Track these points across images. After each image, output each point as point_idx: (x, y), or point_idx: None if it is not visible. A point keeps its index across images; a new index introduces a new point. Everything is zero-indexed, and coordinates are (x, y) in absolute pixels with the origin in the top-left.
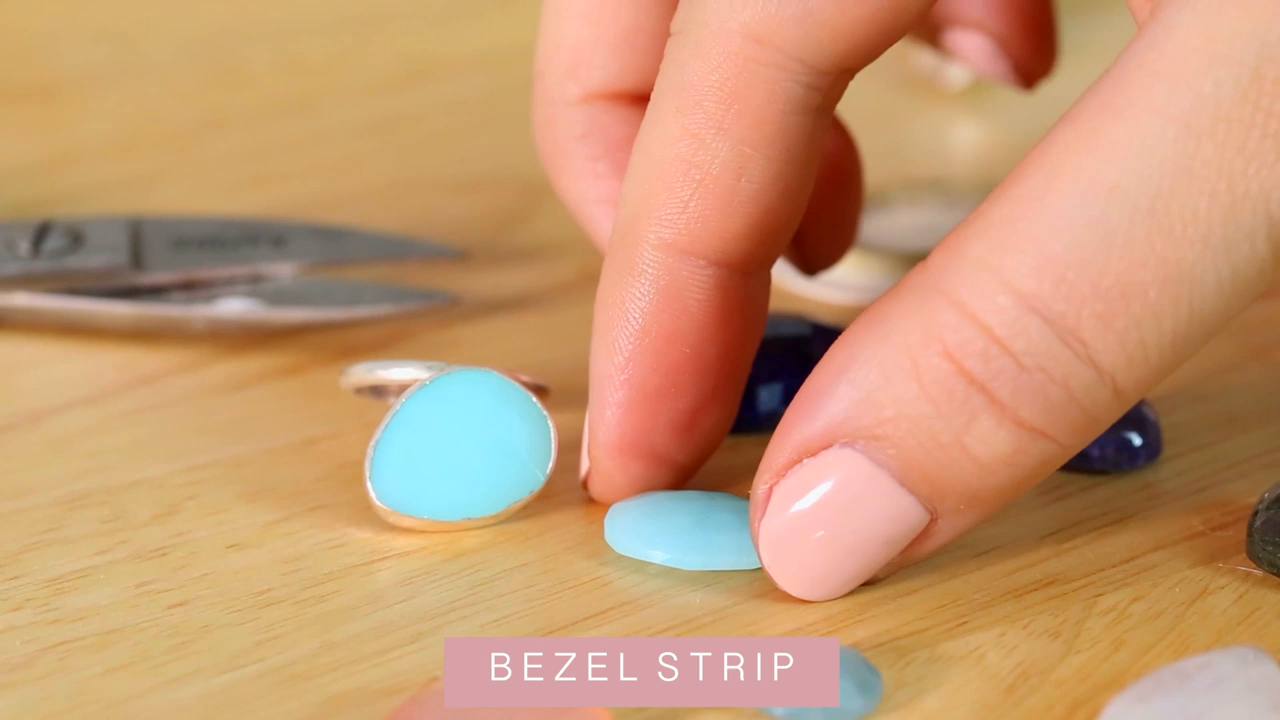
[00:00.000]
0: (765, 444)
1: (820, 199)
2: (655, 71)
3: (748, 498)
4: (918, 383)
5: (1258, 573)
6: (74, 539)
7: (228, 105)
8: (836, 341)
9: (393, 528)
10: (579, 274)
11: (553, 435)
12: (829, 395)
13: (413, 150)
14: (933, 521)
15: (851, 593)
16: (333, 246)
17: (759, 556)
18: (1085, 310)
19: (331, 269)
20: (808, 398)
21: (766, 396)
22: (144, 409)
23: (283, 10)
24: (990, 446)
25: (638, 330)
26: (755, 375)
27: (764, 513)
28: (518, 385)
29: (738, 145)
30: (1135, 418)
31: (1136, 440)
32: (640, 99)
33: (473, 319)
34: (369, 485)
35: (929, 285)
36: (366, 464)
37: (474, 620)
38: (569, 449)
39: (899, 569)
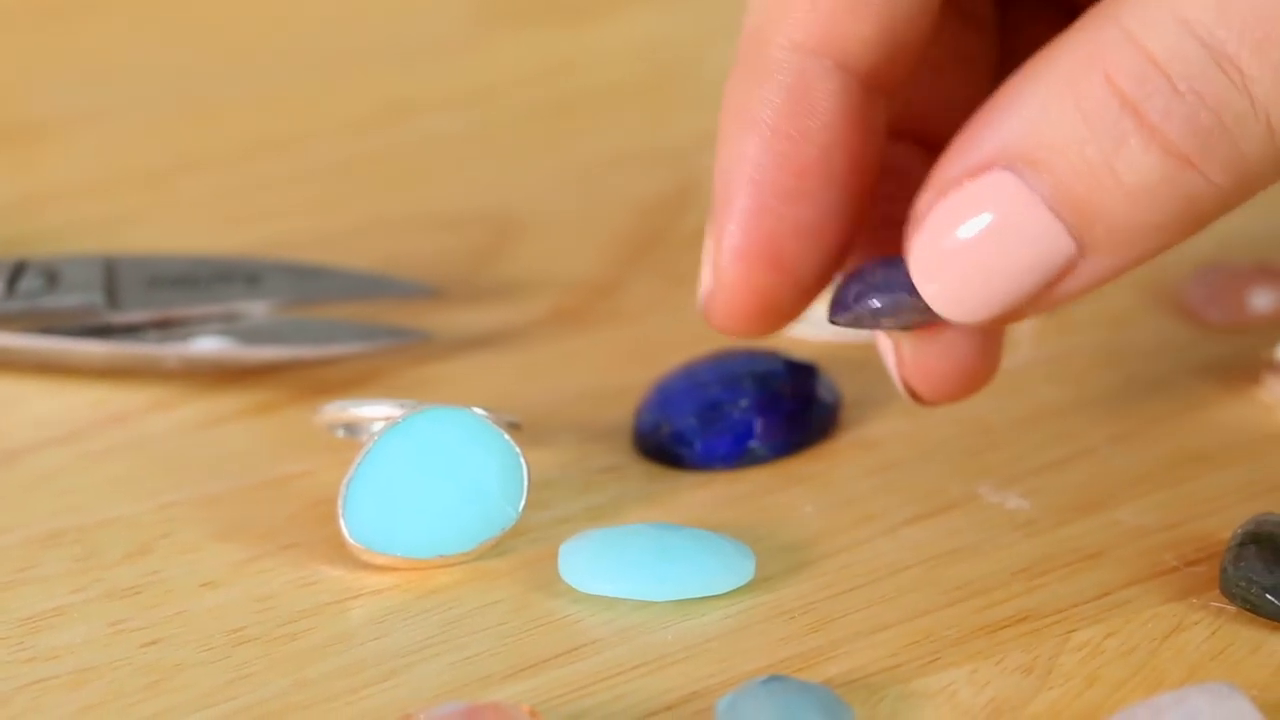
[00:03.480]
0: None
1: None
2: None
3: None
4: (1075, 106)
5: (1231, 608)
6: (48, 578)
7: (202, 145)
8: (1015, 72)
9: (365, 565)
10: (552, 311)
11: (525, 472)
12: (995, 120)
13: (386, 188)
14: (1079, 257)
15: (822, 629)
16: (306, 285)
17: (911, 273)
18: (1245, 37)
19: (305, 307)
20: (977, 121)
21: (740, 432)
22: (118, 447)
23: (257, 50)
24: (1138, 172)
25: (767, 129)
26: (726, 410)
27: (919, 230)
28: (490, 423)
29: None
30: None
31: None
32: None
33: (446, 356)
34: (342, 523)
35: (1099, 14)
36: (339, 502)
37: (445, 658)
38: (540, 486)
39: (1044, 308)
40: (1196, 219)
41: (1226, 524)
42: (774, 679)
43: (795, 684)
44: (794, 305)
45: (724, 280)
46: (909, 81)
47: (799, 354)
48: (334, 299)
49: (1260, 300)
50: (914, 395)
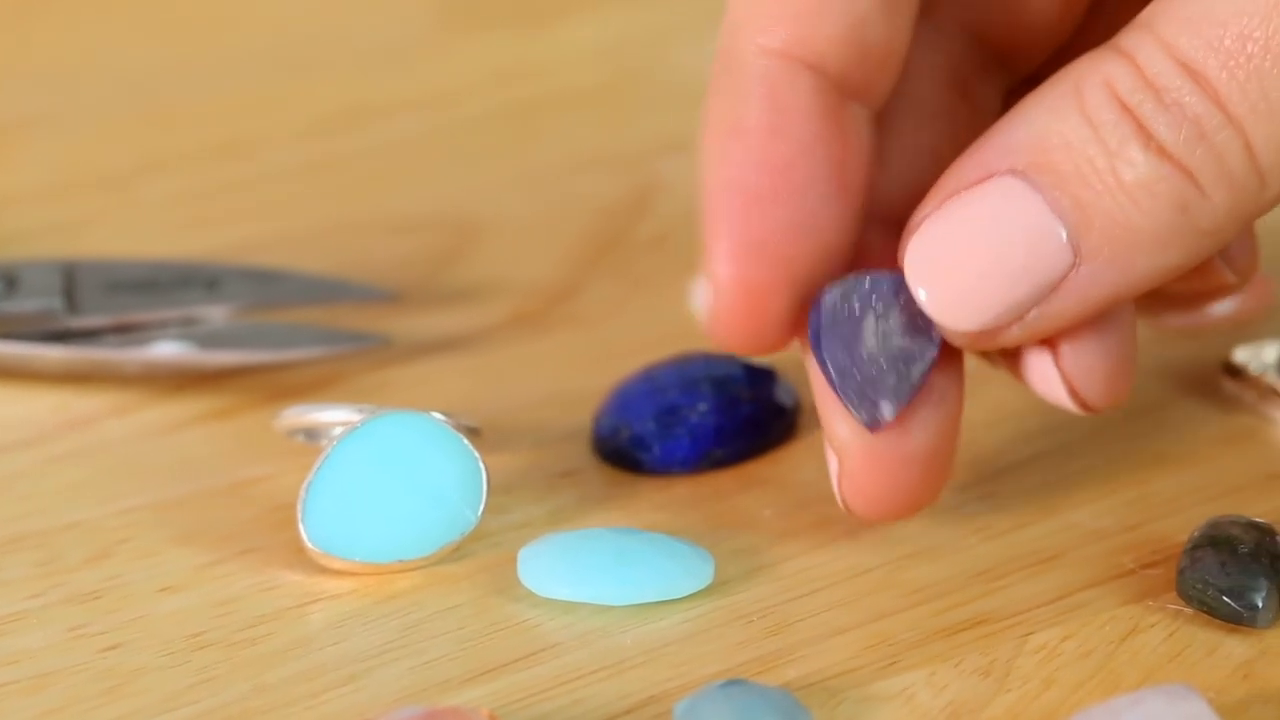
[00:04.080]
0: (697, 482)
1: None
2: None
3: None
4: (1080, 110)
5: (1188, 610)
6: (7, 582)
7: (161, 148)
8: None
9: (325, 570)
10: (511, 315)
11: (484, 477)
12: (1001, 134)
13: (345, 193)
14: (1073, 267)
15: (781, 632)
16: (265, 289)
17: (907, 278)
18: (1212, 59)
19: (264, 311)
20: (982, 140)
21: (698, 436)
22: (77, 452)
23: (216, 53)
24: (1135, 169)
25: (745, 132)
26: (685, 413)
27: (917, 233)
28: (449, 427)
29: None
30: None
31: None
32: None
33: (405, 361)
34: (301, 527)
35: (1104, 46)
36: (299, 506)
37: (404, 663)
38: (499, 490)
39: (1033, 332)
40: (1191, 234)
41: (1183, 526)
42: (733, 683)
43: (754, 687)
44: (793, 308)
45: (719, 284)
46: (888, 91)
47: (757, 358)
48: (293, 303)
49: (1219, 305)
50: (849, 510)
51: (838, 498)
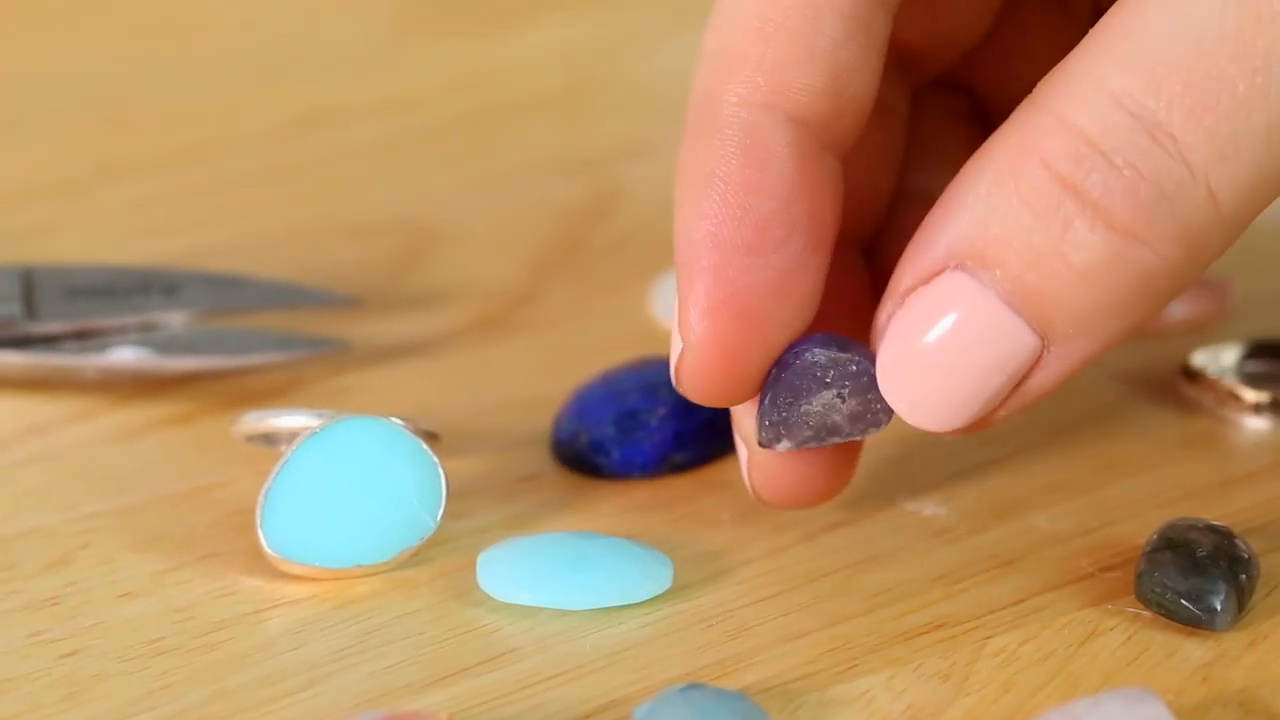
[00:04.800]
0: (657, 486)
1: None
2: None
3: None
4: (1017, 195)
5: (1146, 614)
6: None
7: (120, 155)
8: (959, 173)
9: (284, 575)
10: (471, 320)
11: (443, 481)
12: (942, 223)
13: (305, 198)
14: (1044, 350)
15: (740, 636)
16: (224, 295)
17: (880, 386)
18: (1175, 105)
19: (223, 317)
20: (925, 227)
21: (658, 440)
22: (36, 458)
23: (175, 59)
24: (1087, 252)
25: (724, 185)
26: (644, 418)
27: (882, 342)
28: (408, 432)
29: (813, 2)
30: None
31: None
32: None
33: (365, 366)
34: (260, 533)
35: (1030, 104)
36: (258, 512)
37: (364, 668)
38: (459, 495)
39: (1020, 408)
40: (1153, 296)
41: (1142, 530)
42: (692, 687)
43: (713, 692)
44: (762, 364)
45: (693, 340)
46: (857, 137)
47: None
48: (252, 309)
49: (1176, 307)
50: (758, 498)
51: (747, 485)
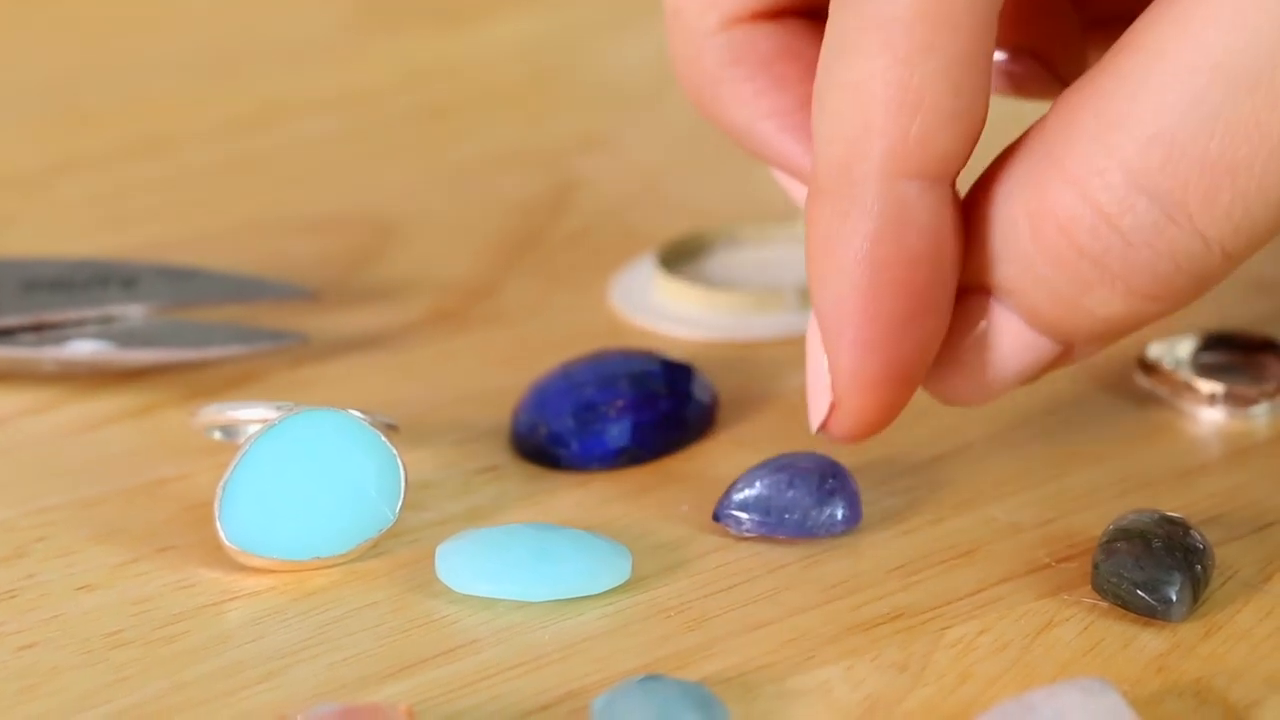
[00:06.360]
0: (616, 478)
1: None
2: None
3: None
4: (1035, 248)
5: (1103, 604)
6: None
7: (77, 147)
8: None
9: (242, 567)
10: (430, 313)
11: (402, 473)
12: (978, 240)
13: (263, 191)
14: (1068, 350)
15: (699, 627)
16: (183, 287)
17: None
18: (1191, 187)
19: (182, 310)
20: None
21: (616, 432)
22: None
23: (132, 51)
24: (1108, 307)
25: (880, 264)
26: (602, 410)
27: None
28: (367, 424)
29: (949, 65)
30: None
31: (839, 514)
32: (775, 13)
33: (323, 359)
34: (218, 525)
35: (1044, 151)
36: (216, 504)
37: (323, 659)
38: (418, 487)
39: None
40: (1169, 313)
41: (1098, 520)
42: (650, 678)
43: (671, 683)
44: (909, 399)
45: (851, 405)
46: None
47: (675, 353)
48: (210, 301)
49: None
50: (832, 437)
51: (815, 429)
